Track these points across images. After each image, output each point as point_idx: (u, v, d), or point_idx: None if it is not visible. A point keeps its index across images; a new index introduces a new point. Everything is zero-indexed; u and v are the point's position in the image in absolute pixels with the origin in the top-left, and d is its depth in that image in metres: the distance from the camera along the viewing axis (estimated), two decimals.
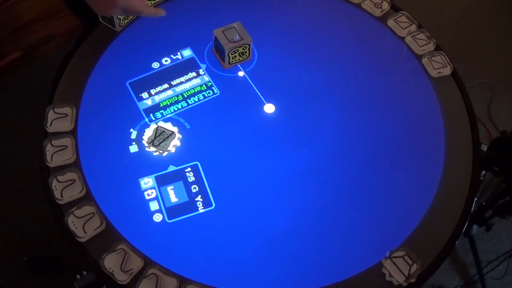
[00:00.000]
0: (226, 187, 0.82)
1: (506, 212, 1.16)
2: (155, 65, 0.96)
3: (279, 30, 1.03)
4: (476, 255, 1.37)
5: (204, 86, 0.94)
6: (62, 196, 0.78)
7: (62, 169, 0.81)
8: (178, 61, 0.97)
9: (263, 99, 0.93)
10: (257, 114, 0.91)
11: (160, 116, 0.90)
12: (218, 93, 0.93)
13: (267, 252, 0.77)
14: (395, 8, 1.08)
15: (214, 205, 0.80)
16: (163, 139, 0.87)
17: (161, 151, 0.85)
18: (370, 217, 0.81)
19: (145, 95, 0.92)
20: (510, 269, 1.41)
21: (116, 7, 0.81)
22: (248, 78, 0.95)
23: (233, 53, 0.93)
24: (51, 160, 0.82)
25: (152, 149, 0.86)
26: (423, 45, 1.01)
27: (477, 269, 1.37)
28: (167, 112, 0.90)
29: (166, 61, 0.97)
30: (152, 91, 0.92)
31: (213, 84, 0.94)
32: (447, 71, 0.98)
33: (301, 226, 0.79)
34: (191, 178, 0.83)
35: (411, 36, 1.02)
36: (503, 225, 1.50)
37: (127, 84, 0.93)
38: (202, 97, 0.92)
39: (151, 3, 1.02)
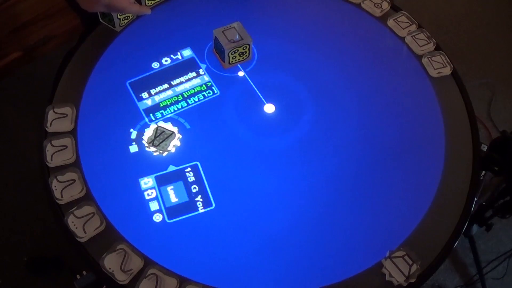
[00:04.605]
0: (226, 187, 0.82)
1: (506, 212, 1.16)
2: (155, 65, 0.96)
3: (279, 30, 1.03)
4: (476, 255, 1.37)
5: (204, 86, 0.94)
6: (62, 196, 0.78)
7: (62, 169, 0.81)
8: (178, 61, 0.97)
9: (263, 99, 0.93)
10: (257, 114, 0.91)
11: (160, 116, 0.90)
12: (218, 93, 0.93)
13: (267, 252, 0.77)
14: (395, 8, 1.08)
15: (214, 205, 0.80)
16: (163, 139, 0.87)
17: (161, 151, 0.85)
18: (370, 217, 0.81)
19: (145, 95, 0.92)
20: (510, 269, 1.41)
21: (99, 3, 0.83)
22: (248, 78, 0.95)
23: (233, 53, 0.93)
24: (51, 160, 0.82)
25: (152, 149, 0.86)
26: (423, 45, 1.01)
27: (477, 269, 1.37)
28: (167, 112, 0.90)
29: (166, 61, 0.97)
30: (152, 91, 0.92)
31: (213, 84, 0.94)
32: (447, 71, 0.98)
33: (301, 226, 0.79)
34: (191, 178, 0.83)
35: (411, 36, 1.02)
36: (503, 225, 1.50)
37: (127, 84, 0.93)
38: (202, 97, 0.92)
39: (150, 3, 1.02)
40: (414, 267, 0.75)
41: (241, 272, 0.75)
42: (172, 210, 0.79)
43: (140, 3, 1.01)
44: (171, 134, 0.87)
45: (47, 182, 0.80)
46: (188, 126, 0.89)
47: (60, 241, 1.35)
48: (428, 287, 1.40)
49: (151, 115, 0.89)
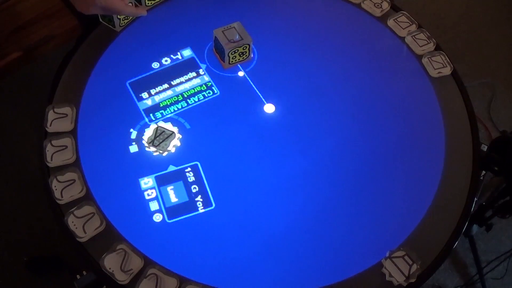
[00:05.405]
0: (226, 187, 0.82)
1: (506, 212, 1.16)
2: (155, 65, 0.96)
3: (279, 30, 1.03)
4: (476, 255, 1.37)
5: (204, 86, 0.94)
6: (62, 196, 0.78)
7: (62, 169, 0.81)
8: (178, 61, 0.97)
9: (263, 99, 0.93)
10: (257, 114, 0.91)
11: (160, 116, 0.90)
12: (218, 93, 0.93)
13: (267, 252, 0.77)
14: (395, 8, 1.08)
15: (214, 205, 0.80)
16: (163, 139, 0.87)
17: (161, 151, 0.85)
18: (370, 217, 0.81)
19: (145, 95, 0.92)
20: (510, 269, 1.41)
21: (96, 6, 0.82)
22: (248, 78, 0.95)
23: (233, 53, 0.93)
24: (51, 160, 0.82)
25: (152, 149, 0.86)
26: (423, 45, 1.01)
27: (477, 269, 1.37)
28: (167, 112, 0.90)
29: (166, 61, 0.97)
30: (152, 91, 0.92)
31: (213, 84, 0.94)
32: (447, 71, 0.98)
33: (301, 226, 0.79)
34: (191, 178, 0.83)
35: (411, 36, 1.02)
36: (503, 225, 1.50)
37: (127, 84, 0.93)
38: (202, 97, 0.92)
39: (150, 3, 1.02)
40: (414, 267, 0.75)
41: (241, 272, 0.75)
42: (172, 210, 0.79)
43: (140, 3, 1.01)
44: (171, 134, 0.87)
45: (47, 182, 0.80)
46: (188, 126, 0.89)
47: (60, 241, 1.35)
48: (428, 287, 1.40)
49: (151, 115, 0.89)
